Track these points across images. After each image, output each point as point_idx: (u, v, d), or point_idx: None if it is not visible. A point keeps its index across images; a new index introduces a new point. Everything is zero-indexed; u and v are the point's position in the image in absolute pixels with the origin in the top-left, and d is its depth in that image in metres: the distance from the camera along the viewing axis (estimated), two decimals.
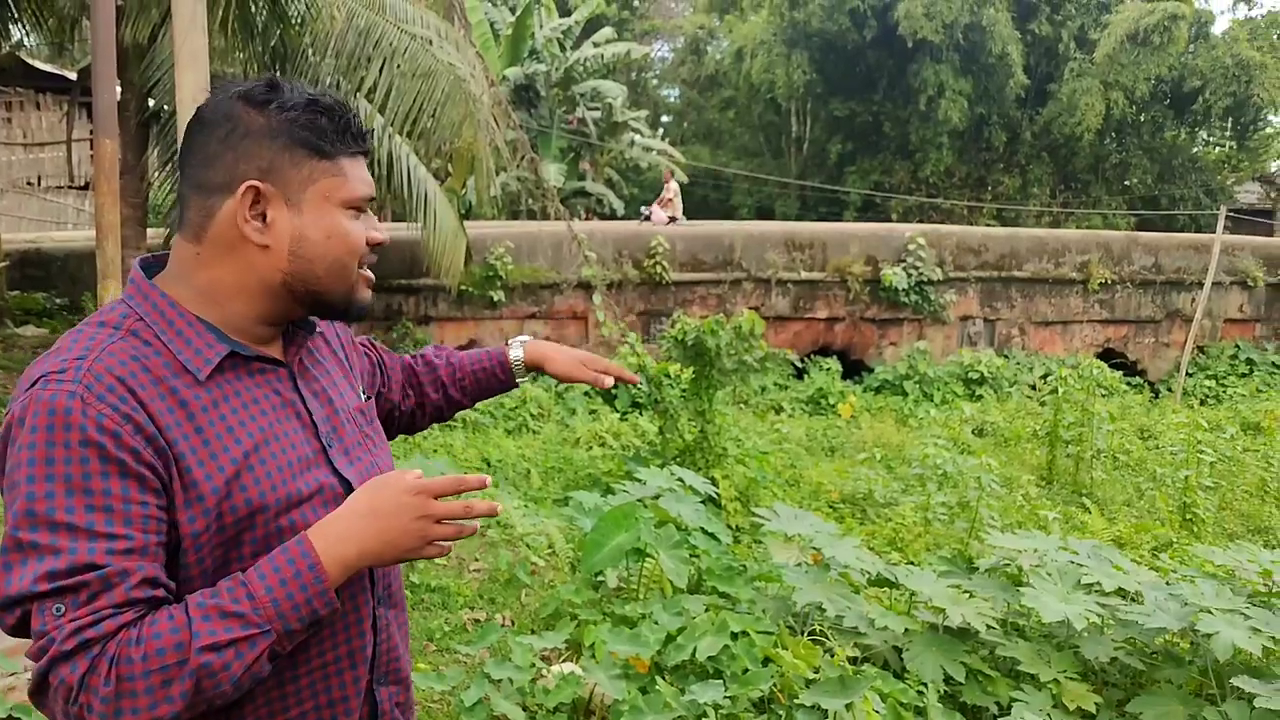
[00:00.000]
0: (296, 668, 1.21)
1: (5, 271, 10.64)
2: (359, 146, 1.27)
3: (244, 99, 1.21)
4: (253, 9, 7.11)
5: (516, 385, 1.78)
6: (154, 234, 8.86)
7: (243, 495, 1.15)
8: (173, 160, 7.35)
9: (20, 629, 1.07)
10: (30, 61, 16.21)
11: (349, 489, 1.25)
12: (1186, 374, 14.44)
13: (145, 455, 1.09)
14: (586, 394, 11.26)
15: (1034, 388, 13.21)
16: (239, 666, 1.06)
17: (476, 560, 4.94)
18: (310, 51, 8.19)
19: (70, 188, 17.58)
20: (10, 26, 8.84)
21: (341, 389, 1.38)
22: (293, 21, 7.27)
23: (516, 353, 1.75)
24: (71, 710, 1.03)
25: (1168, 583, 3.65)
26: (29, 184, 17.57)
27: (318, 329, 1.40)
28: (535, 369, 1.76)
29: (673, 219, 15.82)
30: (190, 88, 4.67)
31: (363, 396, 1.44)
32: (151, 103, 8.05)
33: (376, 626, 1.32)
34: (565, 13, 25.69)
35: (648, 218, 16.18)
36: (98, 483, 1.06)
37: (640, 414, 10.40)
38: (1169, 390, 14.31)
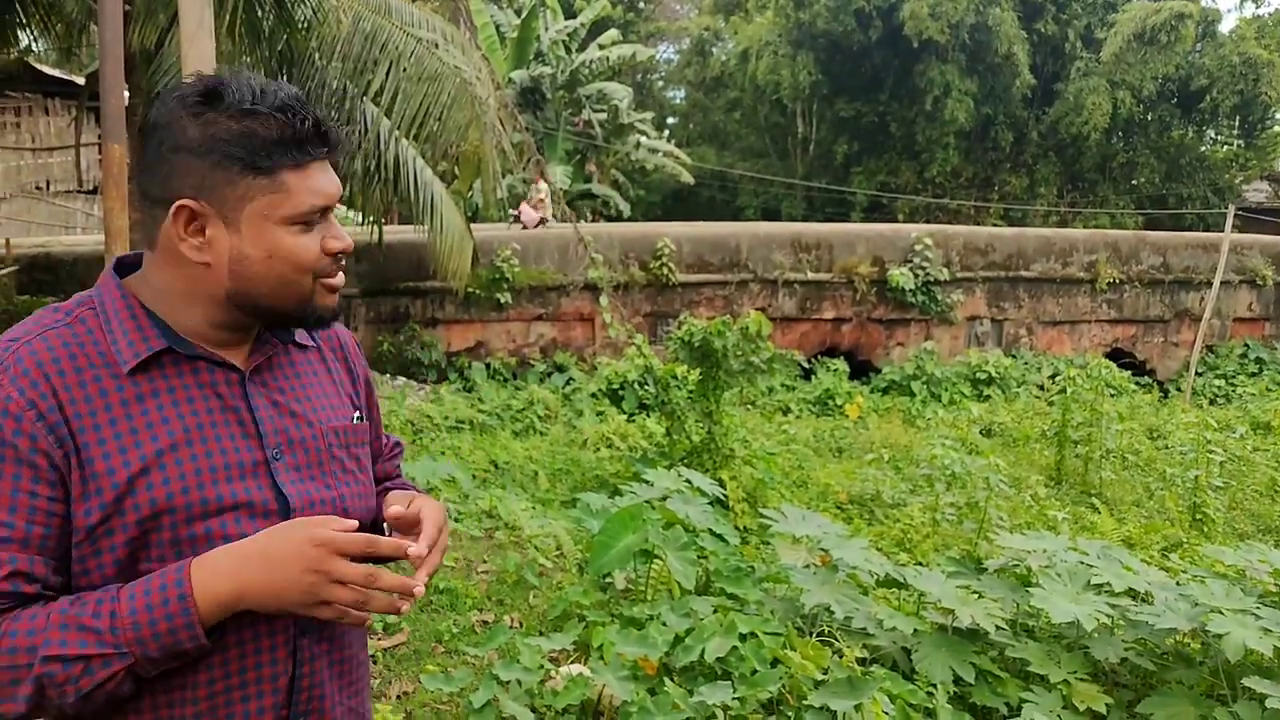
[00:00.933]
0: (185, 689, 1.13)
1: (14, 275, 10.69)
2: (312, 152, 1.17)
3: (183, 105, 1.15)
4: (259, 13, 7.12)
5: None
6: None
7: (148, 494, 1.10)
8: None
9: None
10: (38, 66, 16.29)
11: (286, 507, 1.18)
12: (1196, 373, 14.38)
13: (43, 443, 1.07)
14: (593, 395, 11.26)
15: (1042, 388, 13.18)
16: (87, 683, 1.03)
17: (484, 562, 4.94)
18: (317, 56, 8.21)
19: (78, 192, 17.66)
20: (18, 32, 8.88)
21: (319, 404, 1.29)
22: (299, 26, 7.29)
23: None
24: None
25: (1178, 583, 3.64)
26: (37, 188, 17.66)
27: (313, 340, 1.33)
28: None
29: (544, 220, 14.96)
30: None
31: (355, 418, 1.35)
32: None
33: (298, 658, 1.20)
34: (571, 15, 25.73)
35: (517, 218, 15.33)
36: None
37: (647, 415, 10.40)
38: (1178, 390, 14.25)
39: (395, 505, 1.25)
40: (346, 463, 1.30)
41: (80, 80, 16.26)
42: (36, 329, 1.14)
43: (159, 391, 1.15)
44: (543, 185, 15.69)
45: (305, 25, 7.28)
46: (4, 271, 10.45)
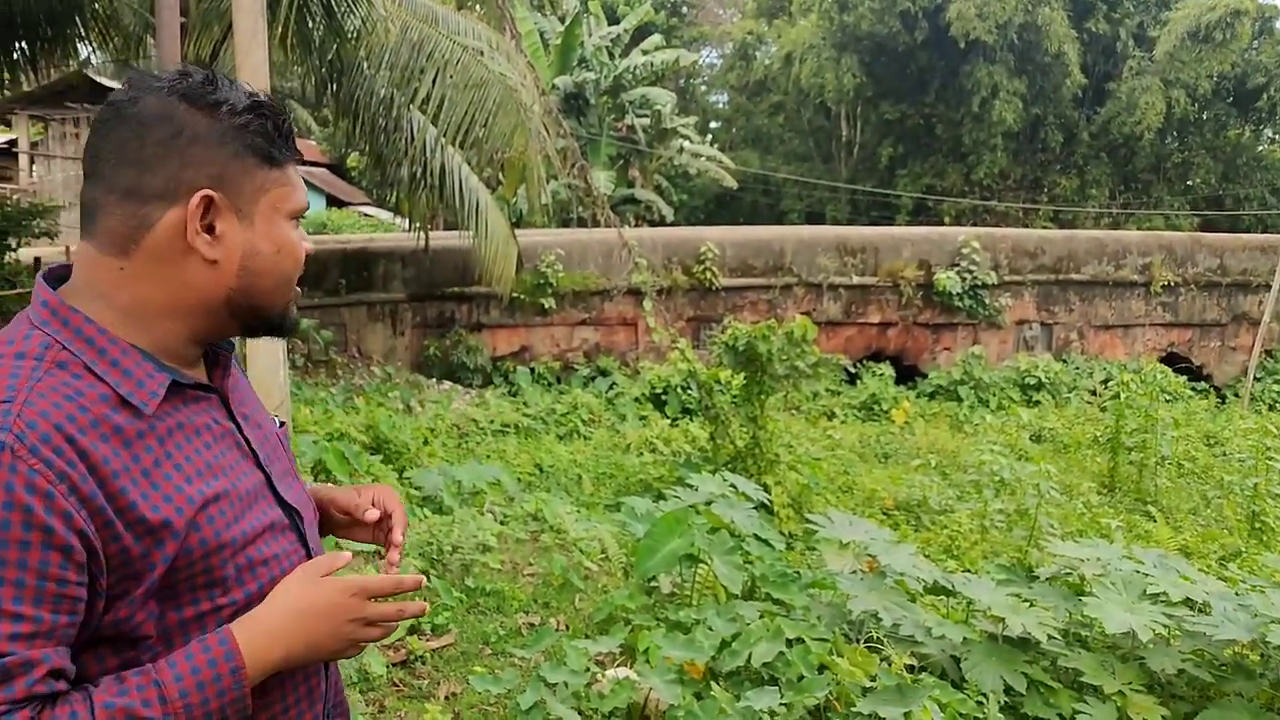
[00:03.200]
0: (257, 713, 1.11)
1: None
2: (297, 152, 1.20)
3: (185, 98, 1.08)
4: (310, 24, 7.26)
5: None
6: None
7: (197, 535, 1.04)
8: None
9: None
10: (96, 78, 16.76)
11: (294, 520, 1.20)
12: (1254, 378, 14.02)
13: (77, 520, 0.95)
14: (636, 400, 11.28)
15: (1094, 393, 12.93)
16: None
17: (530, 565, 4.98)
18: (366, 65, 8.35)
19: None
20: (78, 44, 9.15)
21: (261, 412, 1.29)
22: (349, 36, 7.42)
23: None
24: None
25: (1236, 593, 3.55)
26: None
27: (234, 349, 1.31)
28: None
29: None
30: None
31: (275, 419, 1.34)
32: None
33: (327, 666, 1.26)
34: (614, 21, 25.83)
35: None
36: (14, 552, 0.92)
37: (690, 420, 10.39)
38: (1236, 395, 13.91)
39: (366, 507, 1.32)
40: (293, 466, 1.31)
41: None
42: (20, 383, 0.99)
43: (173, 430, 1.08)
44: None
45: (354, 35, 7.40)
46: None
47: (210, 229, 1.08)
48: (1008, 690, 3.19)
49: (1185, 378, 13.11)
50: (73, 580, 0.95)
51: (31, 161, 18.77)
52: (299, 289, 1.22)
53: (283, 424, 1.36)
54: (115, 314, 1.07)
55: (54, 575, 0.94)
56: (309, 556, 1.19)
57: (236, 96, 1.11)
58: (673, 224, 23.37)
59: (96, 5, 8.54)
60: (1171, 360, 14.26)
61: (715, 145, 30.26)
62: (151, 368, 1.07)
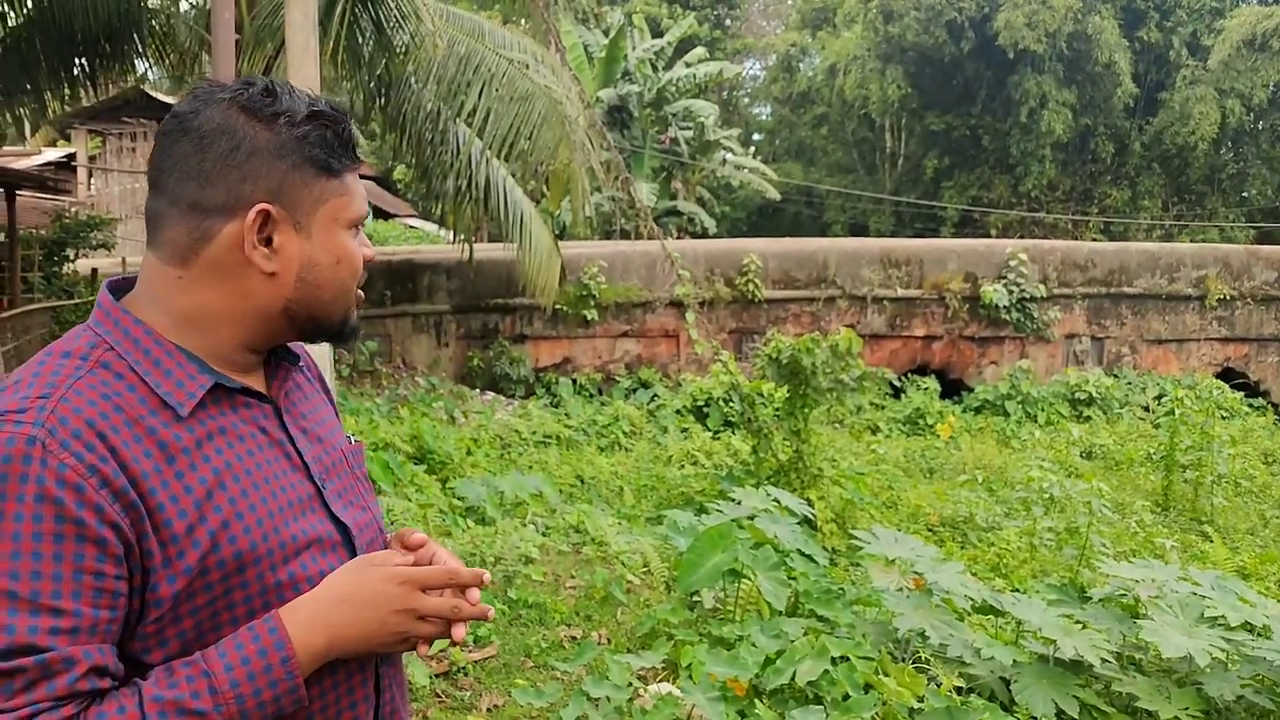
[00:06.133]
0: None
1: None
2: (358, 160, 1.18)
3: (245, 110, 1.07)
4: (360, 40, 7.38)
5: None
6: None
7: (232, 547, 1.02)
8: None
9: None
10: (153, 94, 17.18)
11: (348, 537, 1.14)
12: None
13: (110, 514, 0.95)
14: (678, 412, 11.26)
15: (1147, 409, 12.65)
16: None
17: (573, 577, 4.97)
18: (413, 79, 8.47)
19: None
20: (135, 60, 9.39)
21: (329, 427, 1.25)
22: (397, 51, 7.53)
23: None
24: None
25: None
26: None
27: (300, 361, 1.27)
28: None
29: None
30: None
31: (351, 437, 1.30)
32: None
33: (380, 686, 1.18)
34: (657, 34, 25.94)
35: None
36: (49, 545, 0.92)
37: (732, 433, 10.34)
38: None
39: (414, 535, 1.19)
40: (364, 483, 1.26)
41: None
42: (62, 380, 1.00)
43: (213, 434, 1.06)
44: None
45: (403, 50, 7.51)
46: None
47: (269, 242, 1.08)
48: (1059, 714, 3.11)
49: (1242, 394, 12.81)
50: (110, 574, 0.95)
51: (89, 175, 19.29)
52: (361, 294, 1.21)
53: (357, 441, 1.31)
54: (169, 319, 1.08)
55: (90, 569, 0.93)
56: None
57: (296, 106, 1.09)
58: (715, 236, 23.35)
59: (154, 23, 8.76)
60: (1227, 376, 13.92)
61: (758, 157, 30.22)
62: (195, 370, 1.06)
